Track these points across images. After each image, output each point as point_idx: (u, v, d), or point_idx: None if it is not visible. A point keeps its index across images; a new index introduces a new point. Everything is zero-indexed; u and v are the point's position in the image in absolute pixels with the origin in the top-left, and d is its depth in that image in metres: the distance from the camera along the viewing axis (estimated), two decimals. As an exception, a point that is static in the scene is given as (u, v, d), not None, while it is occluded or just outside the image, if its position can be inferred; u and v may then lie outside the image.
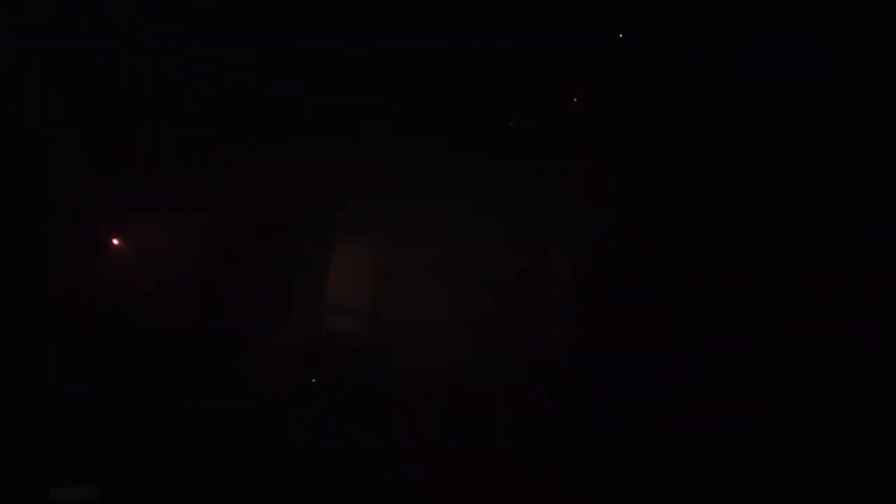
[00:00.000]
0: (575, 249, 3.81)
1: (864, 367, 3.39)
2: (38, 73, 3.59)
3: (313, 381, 3.75)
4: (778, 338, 3.49)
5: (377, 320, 3.88)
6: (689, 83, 3.75)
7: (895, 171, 3.49)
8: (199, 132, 3.76)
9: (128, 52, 3.64)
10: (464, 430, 3.66)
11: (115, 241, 3.68)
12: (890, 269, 3.42)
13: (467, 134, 3.84)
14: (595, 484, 3.56)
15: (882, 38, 3.49)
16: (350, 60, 3.82)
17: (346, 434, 3.66)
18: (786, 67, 3.59)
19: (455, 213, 3.82)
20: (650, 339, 3.59)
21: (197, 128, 3.75)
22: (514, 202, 3.84)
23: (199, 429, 3.54)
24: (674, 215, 3.71)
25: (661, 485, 3.48)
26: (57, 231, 3.59)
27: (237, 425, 3.58)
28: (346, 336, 3.85)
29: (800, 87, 3.61)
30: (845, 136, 3.53)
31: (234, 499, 3.51)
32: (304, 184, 3.82)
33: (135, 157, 3.69)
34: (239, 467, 3.52)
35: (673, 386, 3.54)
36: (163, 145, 3.72)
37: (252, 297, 3.77)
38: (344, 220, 3.92)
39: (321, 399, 3.74)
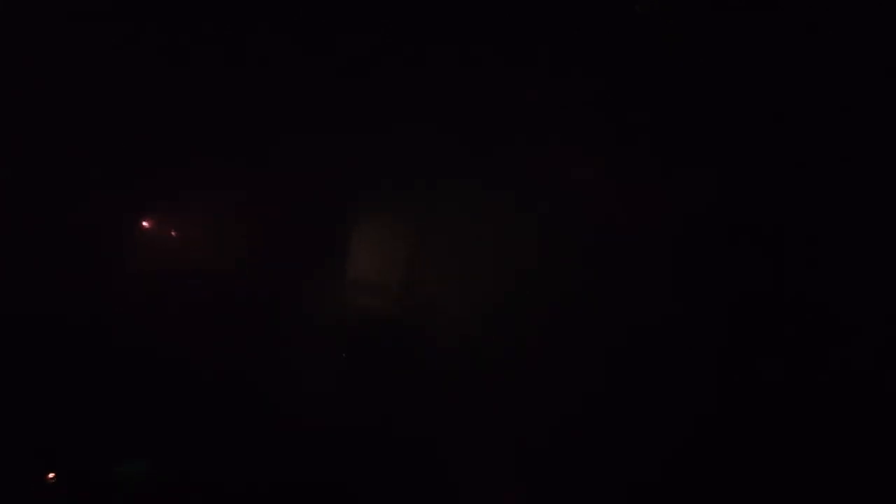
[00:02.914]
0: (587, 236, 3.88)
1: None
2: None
3: (343, 355, 3.94)
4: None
5: (406, 298, 4.03)
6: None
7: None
8: (229, 120, 3.92)
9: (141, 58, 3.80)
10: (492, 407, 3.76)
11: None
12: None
13: (488, 124, 3.95)
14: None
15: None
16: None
17: (375, 407, 3.83)
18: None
19: (480, 196, 3.96)
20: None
21: (226, 116, 3.92)
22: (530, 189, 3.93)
23: (239, 402, 3.75)
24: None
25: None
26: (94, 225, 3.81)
27: (275, 398, 3.78)
28: (376, 313, 4.03)
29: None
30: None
31: (272, 469, 3.69)
32: (335, 169, 3.98)
33: (169, 148, 3.89)
34: (276, 439, 3.71)
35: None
36: (195, 134, 3.91)
37: (286, 277, 3.96)
38: (374, 204, 4.08)
39: (352, 373, 3.93)
